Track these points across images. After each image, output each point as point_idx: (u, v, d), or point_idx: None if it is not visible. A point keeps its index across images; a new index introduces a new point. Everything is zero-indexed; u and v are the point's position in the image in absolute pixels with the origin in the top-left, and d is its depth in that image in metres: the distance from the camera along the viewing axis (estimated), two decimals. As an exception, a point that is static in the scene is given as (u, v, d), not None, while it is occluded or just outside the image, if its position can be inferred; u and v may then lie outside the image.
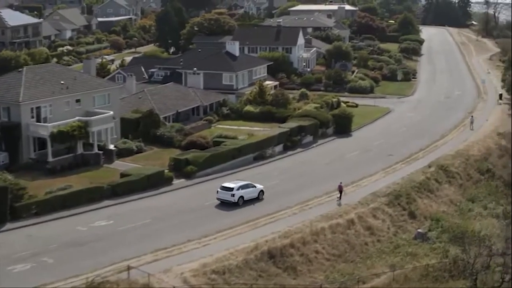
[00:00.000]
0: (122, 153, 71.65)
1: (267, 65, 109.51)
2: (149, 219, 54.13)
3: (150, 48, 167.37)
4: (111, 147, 71.12)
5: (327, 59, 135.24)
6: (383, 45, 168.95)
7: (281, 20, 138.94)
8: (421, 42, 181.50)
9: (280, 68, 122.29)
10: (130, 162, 69.74)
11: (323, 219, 54.76)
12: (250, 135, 76.56)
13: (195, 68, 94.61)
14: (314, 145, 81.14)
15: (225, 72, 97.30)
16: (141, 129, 77.22)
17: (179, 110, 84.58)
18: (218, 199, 57.79)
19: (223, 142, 73.43)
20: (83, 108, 70.75)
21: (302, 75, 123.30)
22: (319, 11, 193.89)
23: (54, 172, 64.35)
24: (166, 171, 65.04)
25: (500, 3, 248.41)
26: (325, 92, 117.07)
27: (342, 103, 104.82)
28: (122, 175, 63.11)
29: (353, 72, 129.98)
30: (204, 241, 49.22)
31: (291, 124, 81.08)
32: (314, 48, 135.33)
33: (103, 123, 70.12)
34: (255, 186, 58.87)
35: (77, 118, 68.38)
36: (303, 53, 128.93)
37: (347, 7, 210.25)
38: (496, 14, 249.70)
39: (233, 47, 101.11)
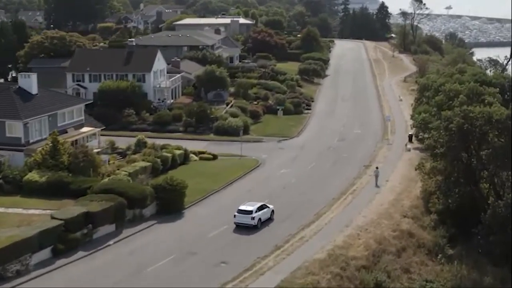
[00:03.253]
0: None
1: (87, 103, 78.26)
2: None
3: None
4: None
5: (197, 88, 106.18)
6: (281, 65, 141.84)
7: (133, 40, 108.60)
8: (325, 61, 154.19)
9: (128, 102, 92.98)
10: None
11: None
12: (-14, 239, 46.08)
13: (-43, 116, 63.31)
14: (112, 241, 51.28)
15: (9, 119, 65.92)
16: None
17: None
18: (235, 223, 53.47)
19: None
20: None
21: (157, 111, 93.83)
22: (210, 25, 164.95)
23: None
24: None
25: (420, 13, 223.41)
26: (184, 134, 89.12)
27: (193, 155, 75.92)
28: None
29: (227, 104, 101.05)
30: None
31: (71, 211, 51.02)
32: (180, 74, 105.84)
33: None
34: (268, 207, 55.86)
35: None
36: (161, 82, 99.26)
37: (242, 20, 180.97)
38: (417, 24, 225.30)
39: (28, 81, 69.11)
